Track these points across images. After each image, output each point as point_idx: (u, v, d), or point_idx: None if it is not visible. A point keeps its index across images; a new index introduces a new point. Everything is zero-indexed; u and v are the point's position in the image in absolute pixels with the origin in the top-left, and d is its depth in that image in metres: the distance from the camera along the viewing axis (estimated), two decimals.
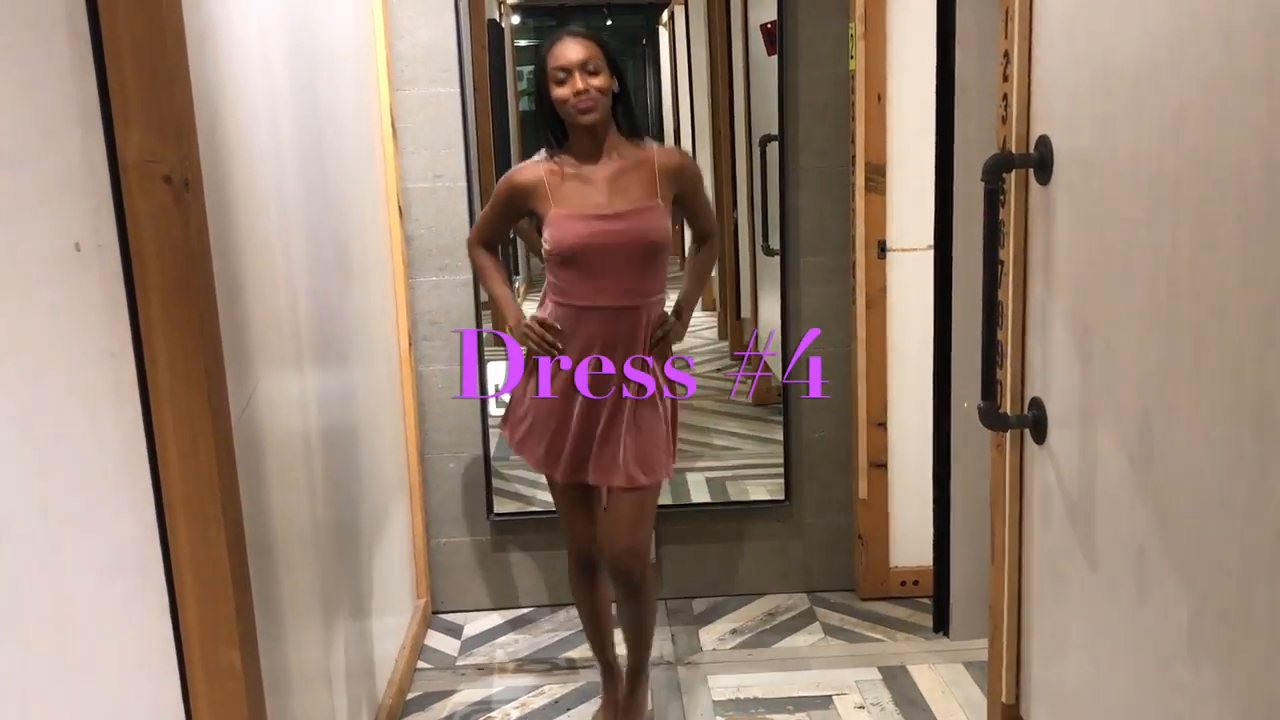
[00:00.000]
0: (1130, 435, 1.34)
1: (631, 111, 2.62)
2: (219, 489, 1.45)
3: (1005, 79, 1.67)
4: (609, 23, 4.95)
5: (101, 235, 1.38)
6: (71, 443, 1.38)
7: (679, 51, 7.46)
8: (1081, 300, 1.47)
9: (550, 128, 2.59)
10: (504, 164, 4.63)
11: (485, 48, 3.75)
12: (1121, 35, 1.31)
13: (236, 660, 1.47)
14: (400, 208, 3.26)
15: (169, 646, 1.49)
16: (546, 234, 2.53)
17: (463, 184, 3.31)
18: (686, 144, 6.39)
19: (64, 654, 1.33)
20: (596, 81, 2.48)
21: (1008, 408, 1.70)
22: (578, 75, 2.47)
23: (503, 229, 2.74)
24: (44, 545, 1.31)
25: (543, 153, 2.62)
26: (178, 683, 1.50)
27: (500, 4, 4.79)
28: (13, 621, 1.24)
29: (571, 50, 2.48)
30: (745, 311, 6.35)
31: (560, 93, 2.49)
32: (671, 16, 7.71)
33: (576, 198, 2.54)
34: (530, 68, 4.64)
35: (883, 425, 3.38)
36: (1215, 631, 1.16)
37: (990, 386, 1.67)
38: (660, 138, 4.78)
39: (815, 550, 3.59)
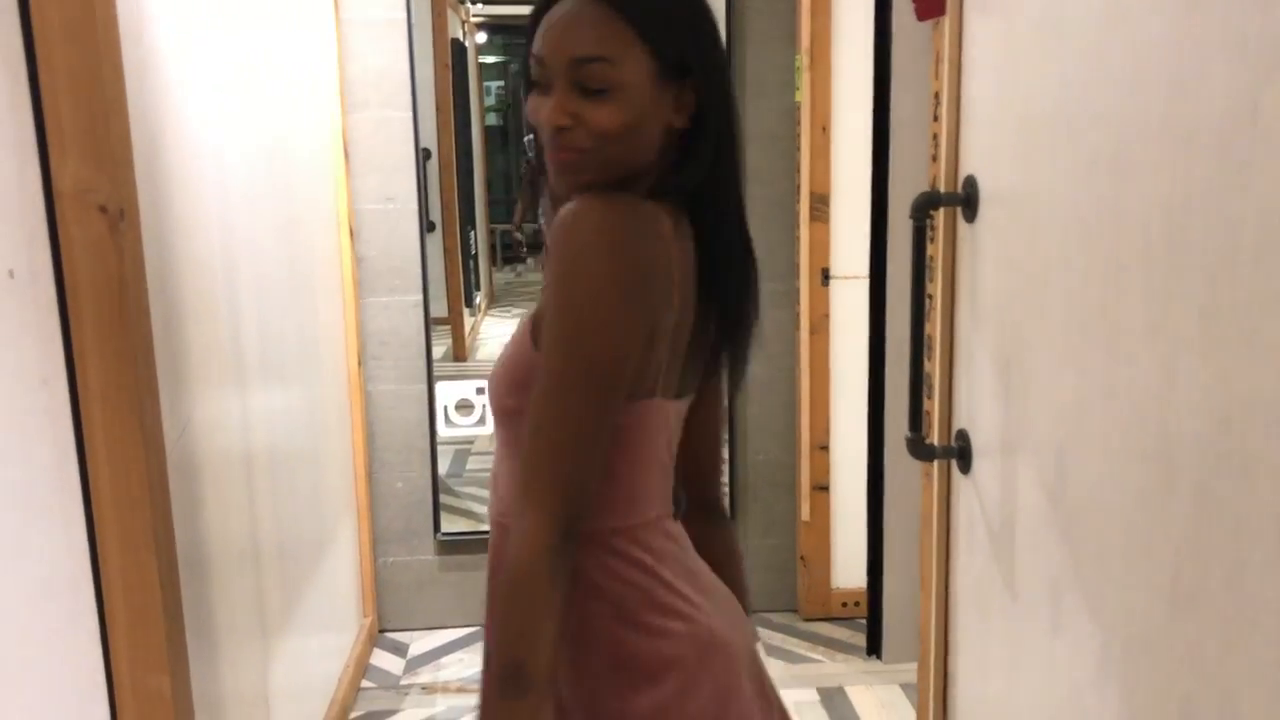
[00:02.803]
0: (1046, 469, 1.38)
1: (733, 210, 1.32)
2: (151, 515, 1.46)
3: (936, 119, 1.71)
4: None
5: (36, 263, 1.38)
6: (3, 467, 1.39)
7: None
8: (1003, 336, 1.51)
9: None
10: (466, 186, 4.52)
11: (448, 66, 3.77)
12: (1041, 82, 1.35)
13: (166, 686, 1.47)
14: (351, 229, 3.27)
15: (98, 671, 1.49)
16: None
17: (414, 206, 3.33)
18: None
19: None
20: (599, 114, 1.16)
21: (935, 438, 1.74)
22: (560, 88, 1.17)
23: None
24: None
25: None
26: (106, 706, 1.50)
27: (464, 22, 4.80)
28: None
29: (564, 24, 1.17)
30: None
31: (532, 109, 1.20)
32: None
33: None
34: (499, 83, 4.60)
35: (825, 448, 3.42)
36: (1121, 663, 1.20)
37: (917, 418, 1.71)
38: None
39: (759, 571, 3.62)
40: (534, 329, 1.20)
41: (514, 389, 1.23)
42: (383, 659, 3.40)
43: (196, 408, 1.82)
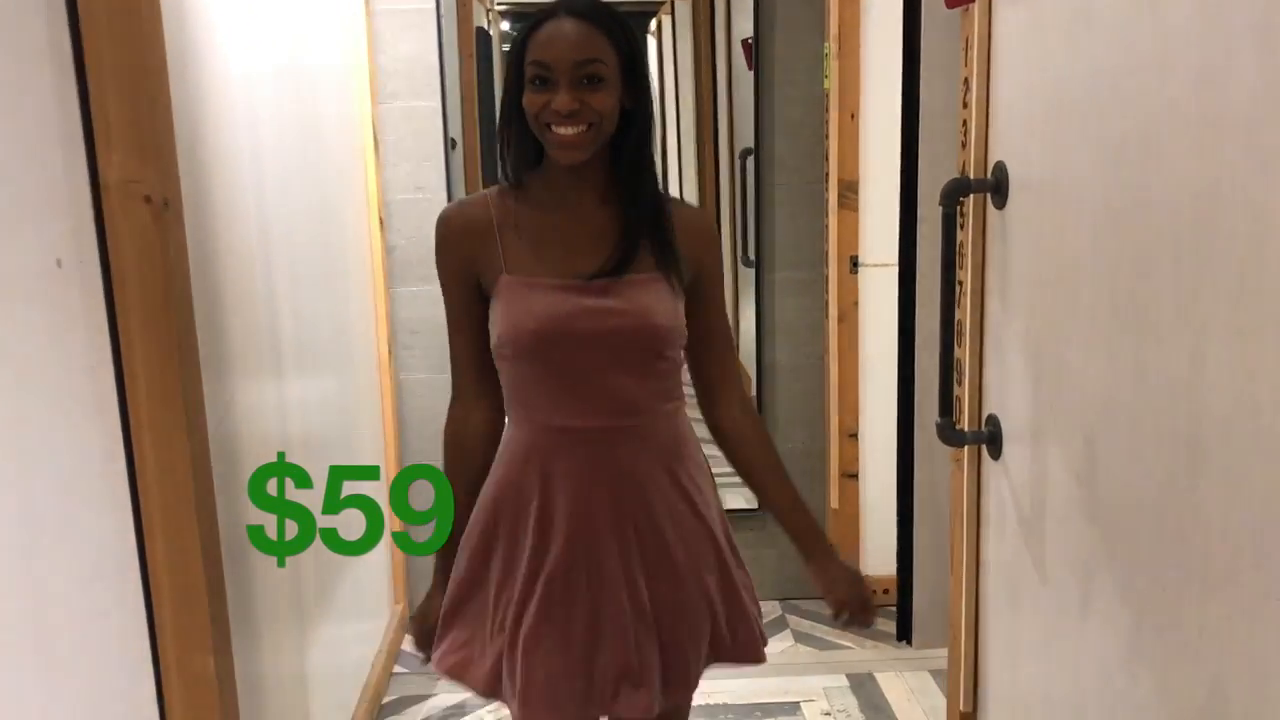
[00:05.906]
0: (1077, 454, 1.39)
1: (648, 150, 1.68)
2: (194, 499, 1.49)
3: (965, 105, 1.72)
4: None
5: (83, 252, 1.42)
6: (53, 453, 1.43)
7: (666, 61, 7.50)
8: (1034, 322, 1.52)
9: (513, 145, 1.66)
10: (491, 173, 4.60)
11: (473, 56, 3.78)
12: (1071, 67, 1.36)
13: (210, 665, 1.51)
14: (381, 219, 3.31)
15: (145, 650, 1.54)
16: (494, 314, 1.66)
17: (443, 195, 3.36)
18: (673, 155, 6.42)
19: (43, 655, 1.37)
20: (597, 99, 1.55)
21: (965, 424, 1.75)
22: (565, 84, 1.54)
23: (480, 328, 1.72)
24: (26, 550, 1.36)
25: (494, 188, 1.71)
26: (153, 686, 1.54)
27: (488, 11, 4.81)
28: None
29: (565, 37, 1.55)
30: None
31: (535, 101, 1.56)
32: (659, 25, 7.73)
33: (542, 257, 1.64)
34: None
35: (854, 436, 3.43)
36: (1152, 644, 1.21)
37: (948, 403, 1.72)
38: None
39: (789, 559, 3.60)
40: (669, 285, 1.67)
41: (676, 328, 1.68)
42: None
43: (237, 393, 1.85)
